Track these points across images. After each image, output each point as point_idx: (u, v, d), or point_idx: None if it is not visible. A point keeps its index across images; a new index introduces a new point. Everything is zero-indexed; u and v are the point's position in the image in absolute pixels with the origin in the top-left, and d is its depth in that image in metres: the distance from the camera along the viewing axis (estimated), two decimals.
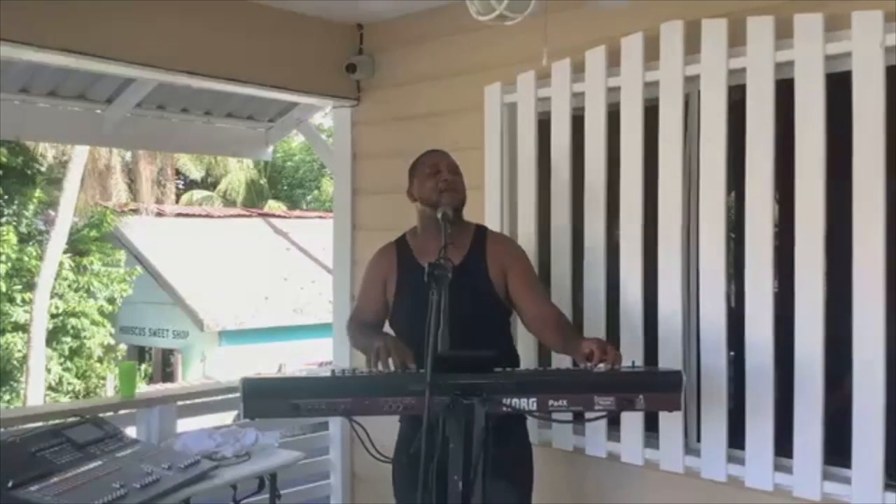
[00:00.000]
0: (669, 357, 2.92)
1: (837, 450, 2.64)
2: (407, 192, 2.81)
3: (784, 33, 2.69)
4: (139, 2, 3.29)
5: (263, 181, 22.40)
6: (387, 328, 2.80)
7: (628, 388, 2.21)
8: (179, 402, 3.70)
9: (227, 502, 3.26)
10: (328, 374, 2.34)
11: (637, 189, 3.05)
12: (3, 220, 14.23)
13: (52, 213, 14.18)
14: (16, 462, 2.67)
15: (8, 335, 13.35)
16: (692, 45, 2.89)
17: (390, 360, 2.30)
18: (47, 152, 14.50)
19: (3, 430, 3.11)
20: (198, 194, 20.64)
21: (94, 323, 14.04)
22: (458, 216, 2.72)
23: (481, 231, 2.83)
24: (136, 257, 15.20)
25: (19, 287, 13.62)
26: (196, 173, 20.01)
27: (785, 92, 2.71)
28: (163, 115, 4.43)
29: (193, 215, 17.63)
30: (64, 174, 14.00)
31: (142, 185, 16.43)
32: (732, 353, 2.89)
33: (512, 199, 3.44)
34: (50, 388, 13.53)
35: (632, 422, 3.02)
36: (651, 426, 3.01)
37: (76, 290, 14.11)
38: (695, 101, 2.95)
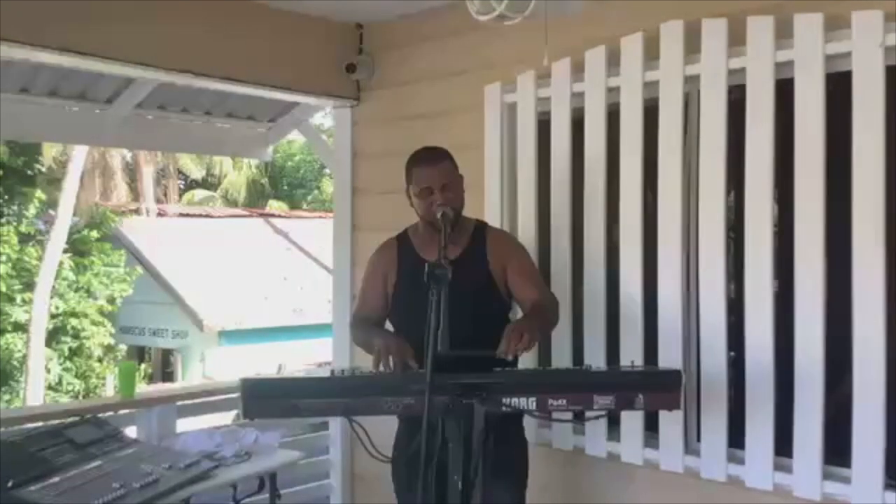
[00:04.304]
0: (669, 357, 2.92)
1: (837, 449, 2.64)
2: (406, 192, 2.78)
3: (784, 33, 2.69)
4: (139, 2, 3.29)
5: (265, 181, 22.39)
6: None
7: (628, 388, 2.21)
8: (179, 402, 3.72)
9: (227, 502, 3.26)
10: (328, 374, 2.34)
11: (637, 189, 3.05)
12: (4, 220, 14.22)
13: (52, 212, 14.17)
14: (16, 462, 2.67)
15: (8, 335, 13.35)
16: (692, 45, 2.89)
17: (391, 359, 2.30)
18: (46, 152, 14.51)
19: (3, 430, 3.11)
20: (199, 194, 20.65)
21: (93, 323, 14.05)
22: (458, 216, 2.71)
23: (481, 226, 2.84)
24: (136, 257, 15.18)
25: (19, 287, 13.62)
26: (197, 173, 20.02)
27: (785, 92, 2.71)
28: (163, 115, 4.42)
29: (193, 215, 17.61)
30: (64, 174, 13.99)
31: (142, 185, 16.44)
32: (732, 353, 2.89)
33: (512, 199, 3.43)
34: (50, 388, 13.53)
35: (632, 422, 3.02)
36: (651, 426, 3.01)
37: (76, 290, 14.12)
38: (695, 101, 2.95)
